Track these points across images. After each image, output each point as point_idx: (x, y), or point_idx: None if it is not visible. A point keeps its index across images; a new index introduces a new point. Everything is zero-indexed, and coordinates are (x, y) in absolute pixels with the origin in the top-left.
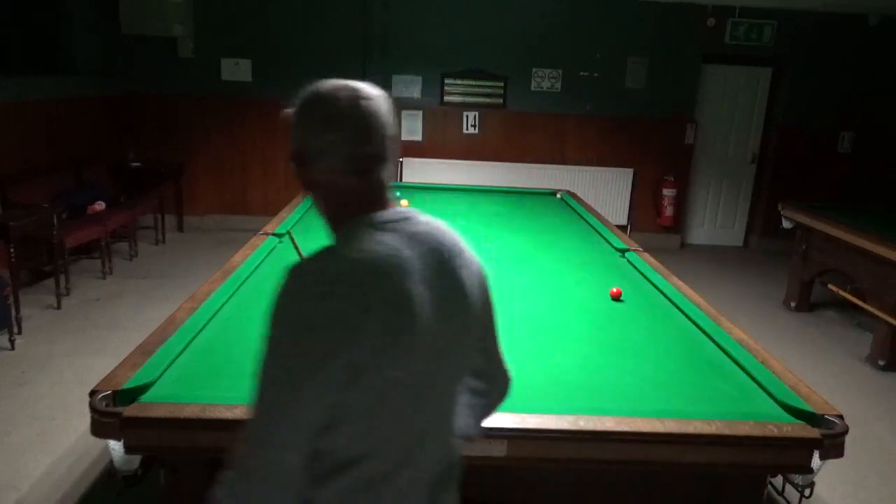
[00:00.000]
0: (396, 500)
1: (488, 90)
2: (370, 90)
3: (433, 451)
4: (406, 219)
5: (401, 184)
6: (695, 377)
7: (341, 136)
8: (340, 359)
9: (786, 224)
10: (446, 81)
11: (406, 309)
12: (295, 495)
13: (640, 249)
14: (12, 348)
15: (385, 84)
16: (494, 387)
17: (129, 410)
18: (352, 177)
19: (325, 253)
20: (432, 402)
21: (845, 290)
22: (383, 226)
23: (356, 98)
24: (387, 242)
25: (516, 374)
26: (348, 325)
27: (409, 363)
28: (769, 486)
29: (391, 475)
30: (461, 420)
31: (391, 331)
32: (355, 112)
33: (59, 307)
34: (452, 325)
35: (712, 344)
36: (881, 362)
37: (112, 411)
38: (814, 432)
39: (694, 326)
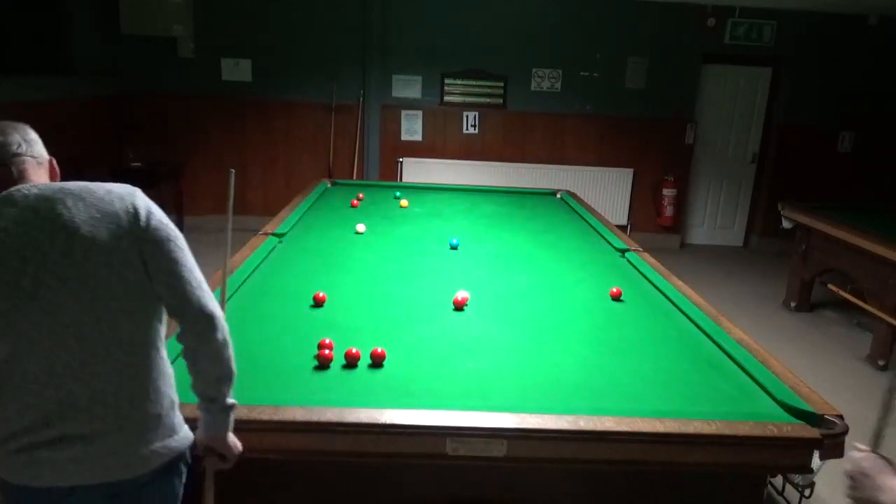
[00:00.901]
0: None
1: (488, 90)
2: None
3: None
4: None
5: (401, 184)
6: (695, 377)
7: None
8: None
9: (786, 224)
10: (446, 81)
11: None
12: None
13: (640, 249)
14: None
15: (385, 84)
16: (189, 327)
17: None
18: None
19: None
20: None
21: (845, 290)
22: None
23: None
24: None
25: (516, 373)
26: None
27: None
28: (769, 486)
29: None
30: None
31: None
32: None
33: None
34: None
35: (712, 344)
36: (881, 362)
37: None
38: (814, 432)
39: (694, 326)
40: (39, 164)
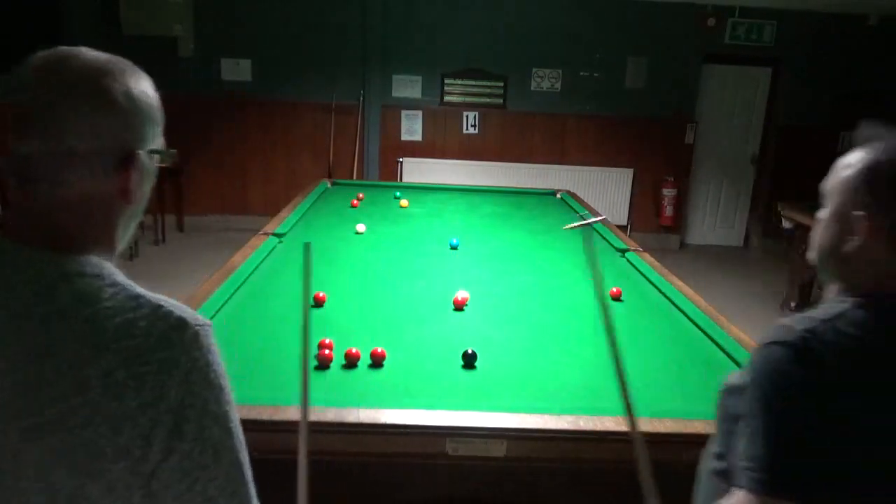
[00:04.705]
0: None
1: (488, 90)
2: None
3: None
4: None
5: (401, 184)
6: (694, 377)
7: None
8: None
9: (786, 224)
10: (446, 81)
11: None
12: None
13: (640, 249)
14: None
15: (385, 84)
16: None
17: None
18: None
19: None
20: None
21: None
22: None
23: None
24: None
25: (516, 373)
26: None
27: None
28: None
29: None
30: None
31: None
32: None
33: None
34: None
35: (712, 344)
36: None
37: None
38: None
39: (694, 326)
40: None
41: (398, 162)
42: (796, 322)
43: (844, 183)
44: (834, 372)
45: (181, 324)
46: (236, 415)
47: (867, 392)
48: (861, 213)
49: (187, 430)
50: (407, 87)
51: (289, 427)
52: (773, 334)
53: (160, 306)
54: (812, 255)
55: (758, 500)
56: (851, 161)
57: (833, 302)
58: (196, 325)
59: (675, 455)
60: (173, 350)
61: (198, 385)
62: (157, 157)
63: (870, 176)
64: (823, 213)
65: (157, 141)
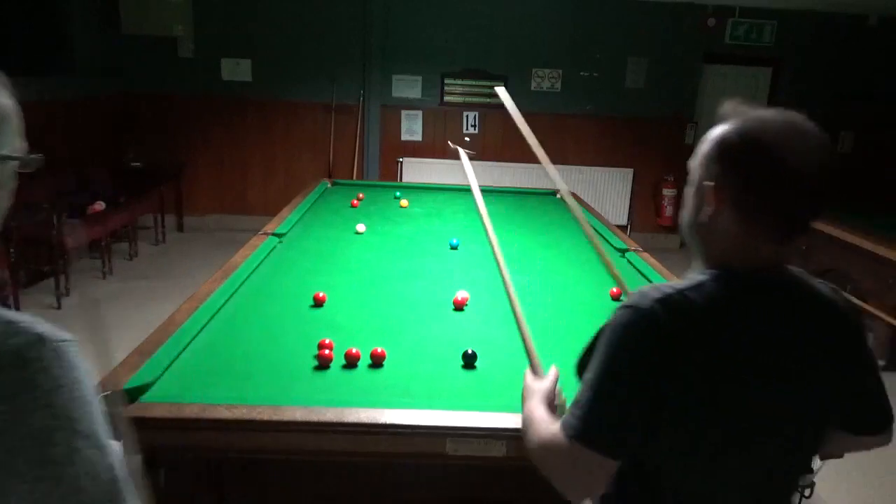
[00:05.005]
0: None
1: (488, 90)
2: None
3: None
4: None
5: (401, 184)
6: None
7: None
8: None
9: None
10: (446, 81)
11: None
12: None
13: (640, 249)
14: None
15: (385, 84)
16: None
17: (130, 410)
18: None
19: None
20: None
21: (845, 290)
22: None
23: None
24: None
25: (516, 373)
26: None
27: None
28: None
29: None
30: None
31: None
32: None
33: (59, 307)
34: None
35: None
36: (881, 362)
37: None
38: None
39: None
40: None
41: (398, 162)
42: (653, 289)
43: (700, 157)
44: (674, 339)
45: (38, 340)
46: (106, 430)
47: (701, 362)
48: (711, 183)
49: (56, 455)
50: (407, 87)
51: (289, 427)
52: (630, 298)
53: (12, 322)
54: (681, 228)
55: (566, 442)
56: (708, 136)
57: (694, 274)
58: (56, 342)
59: None
60: (29, 369)
61: (64, 405)
62: (12, 163)
63: (719, 149)
64: (687, 188)
65: (11, 147)
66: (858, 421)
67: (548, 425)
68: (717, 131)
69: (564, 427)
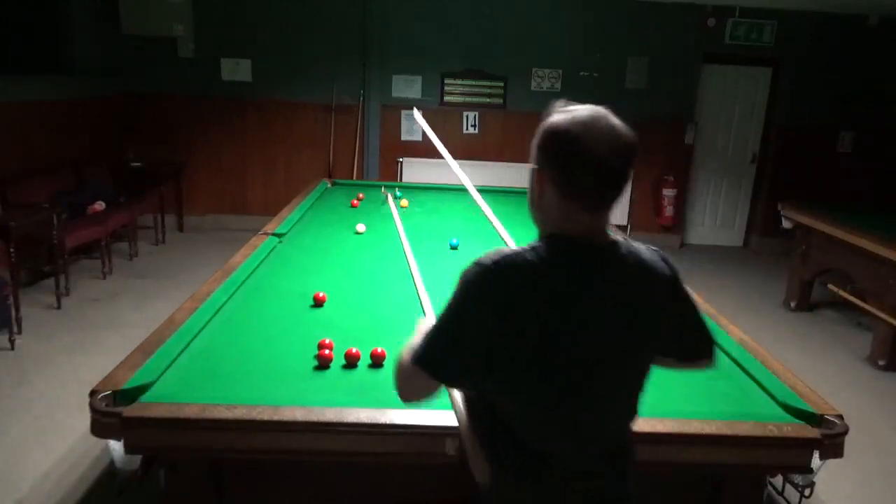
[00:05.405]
0: None
1: (488, 90)
2: None
3: None
4: None
5: (401, 184)
6: (695, 377)
7: None
8: None
9: (786, 224)
10: (446, 81)
11: None
12: None
13: None
14: (12, 348)
15: (385, 84)
16: None
17: (130, 410)
18: None
19: None
20: None
21: (845, 290)
22: None
23: None
24: None
25: None
26: None
27: None
28: (769, 486)
29: None
30: None
31: None
32: None
33: (59, 307)
34: None
35: None
36: (881, 362)
37: (112, 411)
38: (814, 432)
39: None
40: None
41: (398, 162)
42: (496, 252)
43: (533, 145)
44: (508, 288)
45: None
46: None
47: (531, 308)
48: (537, 167)
49: None
50: (407, 87)
51: (289, 427)
52: (479, 258)
53: None
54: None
55: (409, 362)
56: (538, 129)
57: (533, 241)
58: None
59: (674, 455)
60: None
61: None
62: None
63: (543, 137)
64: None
65: None
66: (681, 350)
67: (409, 348)
68: (543, 124)
69: (411, 350)
